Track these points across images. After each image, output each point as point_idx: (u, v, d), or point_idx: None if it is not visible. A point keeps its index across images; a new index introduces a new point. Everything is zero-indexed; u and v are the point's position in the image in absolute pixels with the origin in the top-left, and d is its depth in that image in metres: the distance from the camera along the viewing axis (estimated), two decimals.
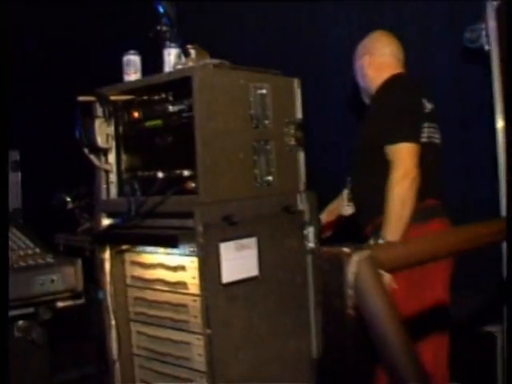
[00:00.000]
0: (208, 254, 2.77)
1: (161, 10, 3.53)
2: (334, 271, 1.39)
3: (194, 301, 2.94)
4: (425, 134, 3.20)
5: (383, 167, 3.12)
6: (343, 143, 4.62)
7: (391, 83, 3.29)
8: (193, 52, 3.09)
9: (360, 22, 4.71)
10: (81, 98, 3.10)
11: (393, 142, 3.11)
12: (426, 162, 3.11)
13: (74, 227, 6.63)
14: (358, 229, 3.43)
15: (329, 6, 4.94)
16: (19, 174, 7.16)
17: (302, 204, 3.19)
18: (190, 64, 2.92)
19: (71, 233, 6.72)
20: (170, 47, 3.09)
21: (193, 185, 2.85)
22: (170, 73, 2.94)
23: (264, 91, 3.05)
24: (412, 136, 3.12)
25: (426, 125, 3.21)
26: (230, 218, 2.81)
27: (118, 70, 4.86)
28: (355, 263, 1.36)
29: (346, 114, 4.72)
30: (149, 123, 3.08)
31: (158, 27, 3.37)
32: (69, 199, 6.54)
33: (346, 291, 1.36)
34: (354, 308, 1.37)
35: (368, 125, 3.32)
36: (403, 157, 3.07)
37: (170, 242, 2.83)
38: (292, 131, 3.18)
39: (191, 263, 2.93)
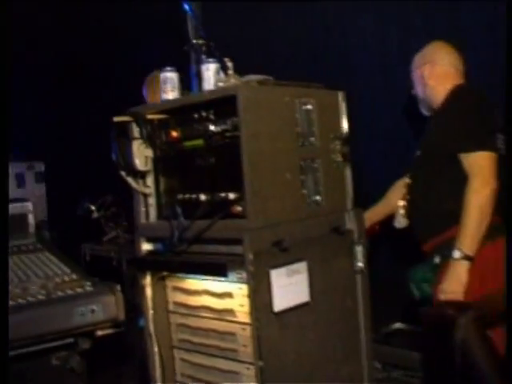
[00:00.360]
0: (258, 281, 2.63)
1: (187, 8, 3.42)
2: (437, 335, 1.24)
3: (243, 329, 2.80)
4: (498, 146, 3.04)
5: (452, 178, 2.98)
6: (374, 155, 4.45)
7: (461, 92, 3.14)
8: (231, 66, 2.96)
9: (393, 28, 4.52)
10: (116, 119, 2.96)
11: (470, 150, 2.96)
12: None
13: (99, 236, 6.56)
14: (414, 242, 3.29)
15: (359, 11, 4.74)
16: (44, 185, 7.08)
17: (351, 222, 3.05)
18: (233, 81, 2.77)
19: (97, 242, 6.65)
20: (208, 62, 2.94)
21: (239, 208, 2.71)
22: (212, 91, 2.79)
23: (309, 107, 2.91)
24: (490, 145, 2.98)
25: (498, 136, 3.06)
26: (280, 243, 2.67)
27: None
28: (463, 327, 1.22)
29: (379, 125, 4.52)
30: (189, 143, 2.94)
31: (194, 40, 3.24)
32: (94, 208, 6.45)
33: (454, 357, 1.22)
34: (462, 373, 1.23)
35: (436, 134, 3.16)
36: (481, 165, 2.93)
37: (217, 270, 2.70)
38: (338, 147, 3.03)
39: (239, 290, 2.79)
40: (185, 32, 3.77)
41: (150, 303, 3.12)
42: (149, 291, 3.12)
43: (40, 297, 2.86)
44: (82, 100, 7.17)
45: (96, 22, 6.85)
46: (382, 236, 3.81)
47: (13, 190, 6.97)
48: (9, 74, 2.17)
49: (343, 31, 4.85)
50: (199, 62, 3.11)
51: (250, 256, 2.59)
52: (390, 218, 3.61)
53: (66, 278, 3.10)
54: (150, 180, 3.07)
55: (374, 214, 3.67)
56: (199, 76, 3.06)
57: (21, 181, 7.06)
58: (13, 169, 7.01)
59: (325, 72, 4.64)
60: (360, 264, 3.07)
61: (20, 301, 2.82)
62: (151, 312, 3.12)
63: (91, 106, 7.12)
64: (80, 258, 6.61)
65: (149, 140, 2.93)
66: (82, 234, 6.75)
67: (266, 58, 5.08)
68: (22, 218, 3.81)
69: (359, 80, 4.57)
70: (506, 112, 2.92)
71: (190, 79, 3.23)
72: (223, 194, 2.76)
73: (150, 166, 2.99)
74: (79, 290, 2.94)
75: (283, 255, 2.70)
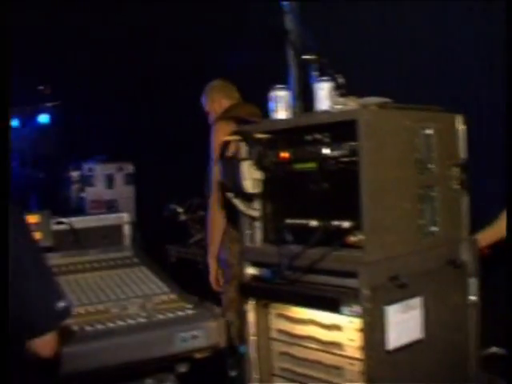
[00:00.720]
0: (373, 317, 2.49)
1: (285, 7, 3.32)
2: None
3: (352, 364, 2.66)
4: None
5: None
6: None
7: None
8: (344, 84, 2.83)
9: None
10: (225, 138, 2.86)
11: None
12: None
13: (184, 239, 6.54)
14: None
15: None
16: (133, 186, 7.11)
17: (466, 253, 2.88)
18: (351, 104, 2.63)
19: (182, 245, 6.63)
20: (322, 81, 2.80)
21: (353, 239, 2.56)
22: (330, 114, 2.65)
23: (429, 131, 2.75)
24: None
25: None
26: (397, 278, 2.52)
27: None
28: None
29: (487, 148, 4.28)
30: (299, 165, 2.80)
31: (305, 55, 3.12)
32: (181, 211, 6.43)
33: None
34: None
35: None
36: None
37: (330, 305, 2.56)
38: (456, 174, 2.86)
39: (349, 323, 2.65)
40: (280, 36, 3.69)
41: (252, 329, 3.00)
42: (251, 317, 3.00)
43: (140, 319, 2.80)
44: (171, 104, 7.16)
45: (185, 29, 6.80)
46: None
47: (102, 191, 7.03)
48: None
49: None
50: (310, 80, 2.99)
51: (366, 291, 2.45)
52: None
53: (165, 298, 3.04)
54: (257, 202, 2.94)
55: (483, 238, 3.49)
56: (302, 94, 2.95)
57: (110, 182, 7.11)
58: (103, 170, 7.07)
59: (434, 94, 4.43)
60: (473, 297, 2.91)
61: (120, 323, 2.76)
62: (253, 338, 3.00)
63: (180, 110, 7.10)
64: (165, 259, 6.62)
65: (258, 161, 2.80)
66: (168, 236, 6.75)
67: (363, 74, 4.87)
68: (118, 229, 3.75)
69: (464, 100, 4.34)
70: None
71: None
72: (336, 222, 2.62)
73: (258, 189, 2.86)
74: (180, 313, 2.88)
75: (399, 290, 2.56)
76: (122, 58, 7.02)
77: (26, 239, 2.14)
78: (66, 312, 2.17)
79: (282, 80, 3.24)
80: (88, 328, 2.67)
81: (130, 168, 7.12)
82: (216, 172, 3.86)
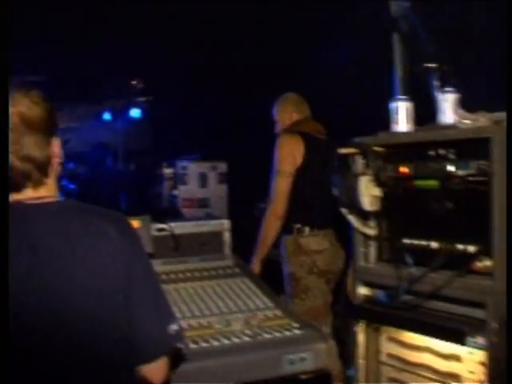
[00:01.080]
0: (499, 351, 2.31)
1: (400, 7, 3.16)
2: None
3: None
4: None
5: None
6: None
7: None
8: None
9: None
10: (342, 151, 2.71)
11: None
12: None
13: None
14: None
15: None
16: (226, 185, 7.04)
17: None
18: (482, 120, 2.43)
19: (272, 245, 6.49)
20: (446, 92, 2.63)
21: (479, 264, 2.38)
22: (459, 130, 2.47)
23: None
24: None
25: None
26: None
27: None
28: None
29: None
30: (420, 182, 2.63)
31: (425, 64, 2.93)
32: None
33: None
34: None
35: None
36: None
37: (454, 336, 2.39)
38: None
39: (469, 354, 2.48)
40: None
41: (362, 352, 2.85)
42: (361, 338, 2.86)
43: (245, 338, 2.65)
44: (265, 104, 7.05)
45: (285, 28, 6.66)
46: None
47: (195, 190, 6.99)
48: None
49: None
50: (431, 89, 2.82)
51: (495, 325, 2.28)
52: None
53: (270, 314, 2.89)
54: (373, 219, 2.78)
55: None
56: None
57: (204, 181, 7.06)
58: (196, 168, 7.04)
59: None
60: None
61: (224, 341, 2.62)
62: (362, 361, 2.85)
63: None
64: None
65: (377, 177, 2.64)
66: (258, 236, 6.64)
67: None
68: (218, 236, 3.61)
69: None
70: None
71: None
72: (461, 246, 2.45)
73: (376, 207, 2.70)
74: (287, 333, 2.71)
75: None
76: (217, 55, 6.94)
77: (138, 251, 1.93)
78: (179, 336, 2.00)
79: (386, 86, 3.08)
80: (192, 346, 2.53)
81: (223, 167, 7.07)
82: (277, 182, 4.02)
